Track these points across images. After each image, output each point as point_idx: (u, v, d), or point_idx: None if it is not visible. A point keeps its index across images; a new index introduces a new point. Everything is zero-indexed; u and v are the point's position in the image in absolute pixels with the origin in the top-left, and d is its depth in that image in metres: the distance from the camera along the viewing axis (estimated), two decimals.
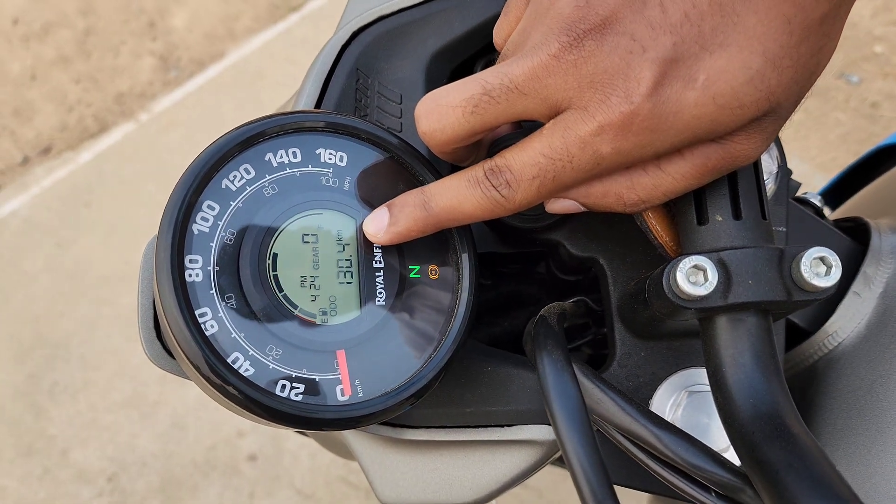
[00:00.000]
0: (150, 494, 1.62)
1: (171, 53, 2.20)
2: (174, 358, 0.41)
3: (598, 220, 0.46)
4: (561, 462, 0.44)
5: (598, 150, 0.33)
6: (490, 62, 0.52)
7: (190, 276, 0.36)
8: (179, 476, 1.64)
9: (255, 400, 0.35)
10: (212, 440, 1.66)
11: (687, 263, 0.35)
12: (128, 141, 2.05)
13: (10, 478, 1.65)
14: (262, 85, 2.11)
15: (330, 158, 0.40)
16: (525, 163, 0.35)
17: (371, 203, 0.40)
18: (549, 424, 0.38)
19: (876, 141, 0.76)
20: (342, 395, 0.37)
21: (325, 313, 0.38)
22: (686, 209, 0.38)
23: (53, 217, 1.94)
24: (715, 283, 0.35)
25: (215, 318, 0.36)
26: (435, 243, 0.41)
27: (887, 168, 0.71)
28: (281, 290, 0.38)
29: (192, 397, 1.69)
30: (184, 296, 0.35)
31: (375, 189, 0.41)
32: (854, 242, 0.53)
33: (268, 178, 0.39)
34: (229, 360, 0.36)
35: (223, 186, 0.38)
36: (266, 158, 0.39)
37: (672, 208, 0.39)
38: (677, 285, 0.35)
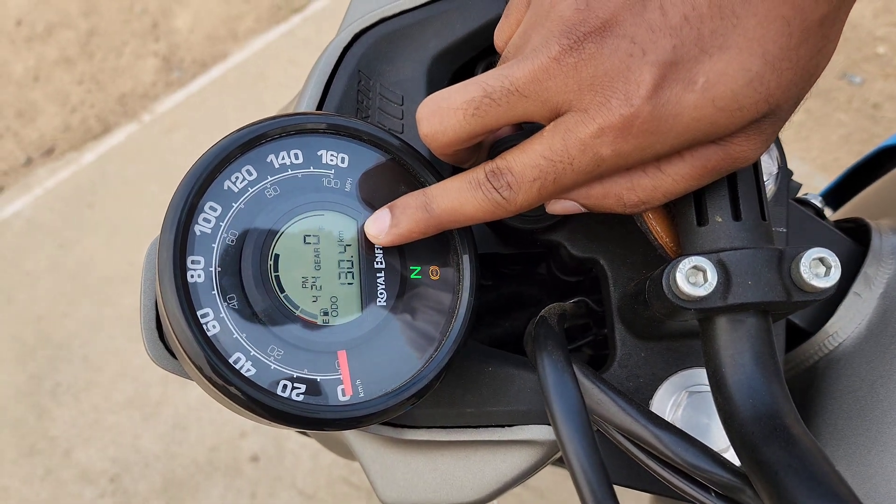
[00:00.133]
0: (153, 495, 1.63)
1: (173, 54, 2.21)
2: (176, 358, 0.41)
3: (598, 221, 0.46)
4: (561, 462, 0.44)
5: (599, 153, 0.33)
6: (491, 64, 0.52)
7: (192, 276, 0.36)
8: (181, 477, 1.64)
9: (256, 400, 0.35)
10: (214, 441, 1.66)
11: (686, 264, 0.35)
12: (131, 142, 2.06)
13: (13, 478, 1.66)
14: (265, 86, 2.11)
15: (331, 160, 0.40)
16: (526, 165, 0.35)
17: (372, 204, 0.41)
18: (550, 424, 0.38)
19: (878, 142, 0.76)
20: (343, 395, 0.37)
21: (326, 314, 0.39)
22: (686, 210, 0.38)
23: (56, 218, 1.94)
24: (714, 283, 0.35)
25: (217, 319, 0.36)
26: (436, 244, 0.41)
27: (888, 169, 0.71)
28: (282, 290, 0.38)
29: (194, 398, 1.70)
30: (186, 296, 0.35)
31: (377, 190, 0.41)
32: (855, 243, 0.53)
33: (269, 179, 0.39)
34: (231, 361, 0.36)
35: (225, 188, 0.38)
36: (268, 160, 0.39)
37: (672, 209, 0.39)
38: (677, 286, 0.35)
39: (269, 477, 1.62)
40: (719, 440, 0.42)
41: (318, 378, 0.37)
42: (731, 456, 0.37)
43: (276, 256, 0.38)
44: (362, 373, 0.38)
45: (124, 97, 2.14)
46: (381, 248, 0.40)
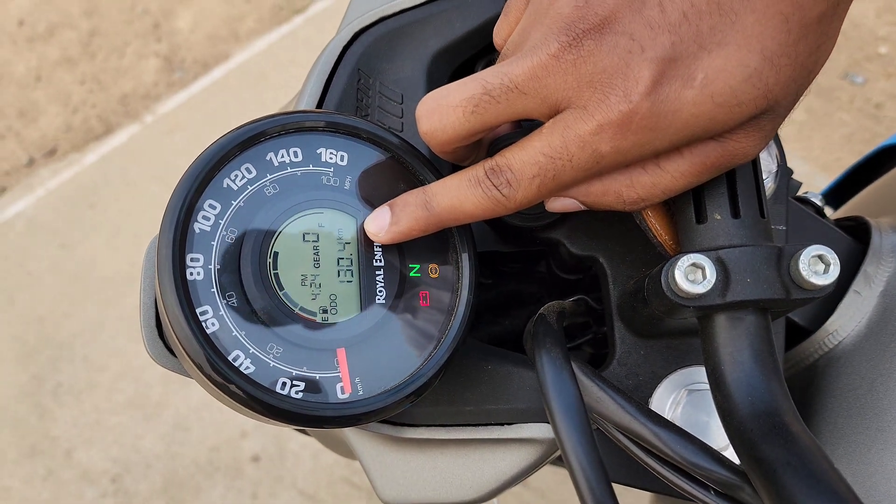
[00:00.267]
0: (154, 495, 1.63)
1: (175, 55, 2.21)
2: (176, 356, 0.41)
3: (597, 219, 0.46)
4: (561, 462, 0.44)
5: (598, 149, 0.33)
6: (491, 62, 0.52)
7: (191, 274, 0.36)
8: (183, 477, 1.64)
9: (255, 398, 0.35)
10: (215, 441, 1.66)
11: (685, 262, 0.35)
12: (132, 142, 2.06)
13: (14, 478, 1.66)
14: (266, 86, 2.12)
15: (331, 158, 0.40)
16: (525, 162, 0.35)
17: (372, 202, 0.41)
18: (549, 422, 0.38)
19: (880, 141, 0.76)
20: (342, 392, 0.37)
21: (325, 312, 0.39)
22: (685, 208, 0.38)
23: (58, 218, 1.94)
24: (713, 281, 0.35)
25: (216, 317, 0.36)
26: (435, 242, 0.41)
27: (889, 168, 0.71)
28: (282, 288, 0.38)
29: (195, 398, 1.70)
30: (185, 294, 0.35)
31: (376, 188, 0.41)
32: (854, 241, 0.53)
33: (269, 177, 0.39)
34: (230, 358, 0.36)
35: (224, 186, 0.38)
36: (267, 158, 0.39)
37: (671, 207, 0.39)
38: (676, 283, 0.35)
39: (270, 477, 1.62)
40: (719, 438, 0.42)
41: (318, 376, 0.37)
42: (731, 454, 0.37)
43: (276, 254, 0.38)
44: (361, 370, 0.38)
45: (126, 97, 2.15)
46: (380, 246, 0.40)
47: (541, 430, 0.44)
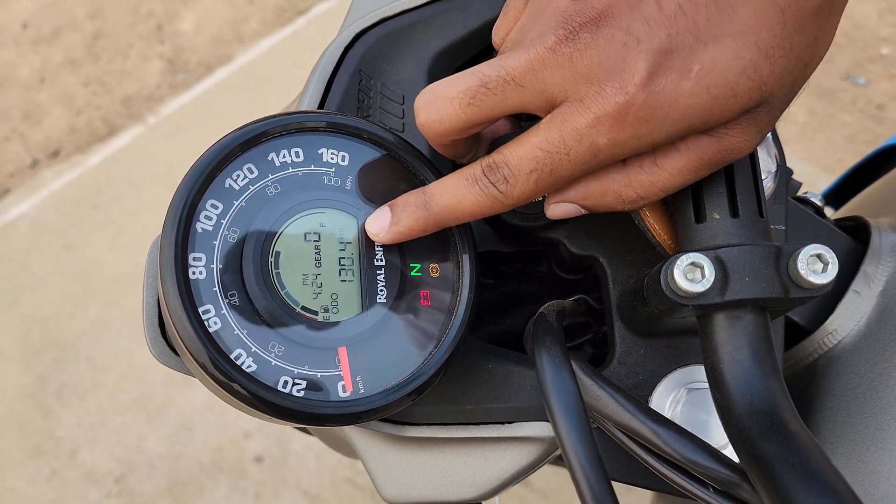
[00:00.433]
0: (158, 496, 1.63)
1: (178, 56, 2.21)
2: (178, 355, 0.42)
3: (597, 218, 0.46)
4: (562, 461, 0.45)
5: (595, 142, 0.34)
6: None
7: (193, 273, 0.36)
8: (186, 477, 1.64)
9: (258, 396, 0.36)
10: (218, 441, 1.67)
11: (684, 261, 0.35)
12: (136, 144, 2.06)
13: (19, 479, 1.66)
14: (269, 88, 2.12)
15: (332, 158, 0.41)
16: (522, 157, 0.35)
17: (373, 202, 0.41)
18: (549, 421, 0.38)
19: (881, 143, 0.76)
20: (344, 391, 0.38)
21: (326, 311, 0.39)
22: (684, 207, 0.38)
23: (62, 219, 1.95)
24: (712, 280, 0.35)
25: (218, 315, 0.36)
26: (436, 242, 0.42)
27: (889, 169, 0.71)
28: (283, 287, 0.38)
29: (198, 399, 1.70)
30: (187, 293, 0.36)
31: (377, 188, 0.41)
32: (854, 241, 0.53)
33: (270, 177, 0.39)
34: (232, 357, 0.36)
35: (226, 185, 0.38)
36: (269, 158, 0.39)
37: (670, 207, 0.39)
38: (675, 282, 0.35)
39: (273, 478, 1.62)
40: (718, 437, 0.42)
41: (319, 374, 0.38)
42: (730, 452, 0.38)
43: (277, 254, 0.39)
44: (363, 369, 0.38)
45: (130, 99, 2.15)
46: (381, 246, 0.41)
47: (541, 429, 0.44)
